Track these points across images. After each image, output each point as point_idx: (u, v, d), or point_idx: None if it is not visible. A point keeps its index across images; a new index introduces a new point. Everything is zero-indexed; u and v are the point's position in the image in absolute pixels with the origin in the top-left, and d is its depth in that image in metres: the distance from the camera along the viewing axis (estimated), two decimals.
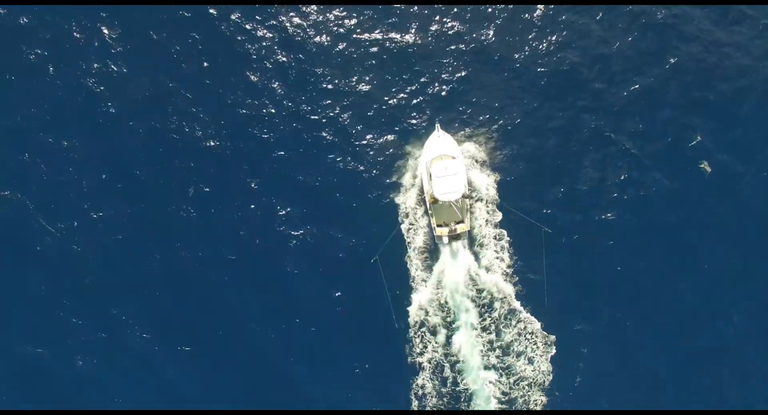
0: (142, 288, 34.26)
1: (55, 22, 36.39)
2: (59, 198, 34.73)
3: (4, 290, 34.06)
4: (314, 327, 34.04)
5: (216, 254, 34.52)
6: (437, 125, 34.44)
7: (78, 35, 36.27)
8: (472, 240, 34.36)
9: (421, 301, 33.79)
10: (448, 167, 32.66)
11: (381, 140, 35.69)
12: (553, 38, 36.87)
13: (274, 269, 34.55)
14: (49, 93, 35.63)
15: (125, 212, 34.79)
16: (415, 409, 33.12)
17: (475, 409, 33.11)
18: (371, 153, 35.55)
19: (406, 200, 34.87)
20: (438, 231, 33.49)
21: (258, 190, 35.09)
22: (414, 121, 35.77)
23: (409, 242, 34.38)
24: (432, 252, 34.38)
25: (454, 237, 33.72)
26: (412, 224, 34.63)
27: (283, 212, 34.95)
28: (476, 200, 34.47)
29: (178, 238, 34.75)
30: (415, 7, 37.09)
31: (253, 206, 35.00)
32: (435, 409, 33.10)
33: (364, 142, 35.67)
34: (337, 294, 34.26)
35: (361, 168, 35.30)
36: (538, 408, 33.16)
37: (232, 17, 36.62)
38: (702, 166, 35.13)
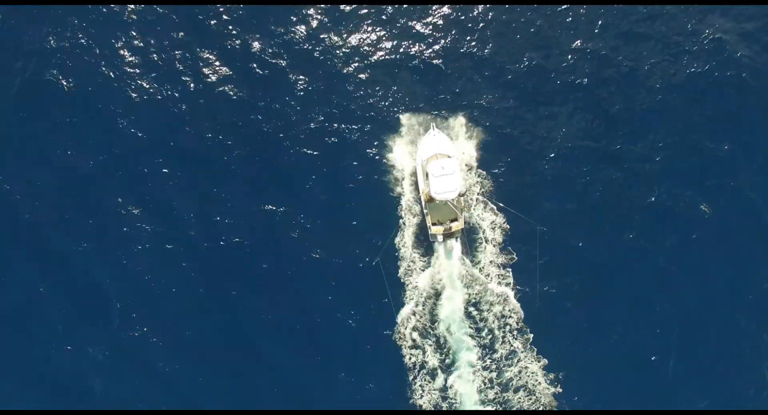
0: (143, 286, 34.45)
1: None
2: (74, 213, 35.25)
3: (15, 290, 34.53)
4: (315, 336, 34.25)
5: (223, 266, 34.68)
6: (432, 124, 34.57)
7: (92, 46, 36.79)
8: (474, 280, 34.29)
9: (418, 338, 33.62)
10: (445, 167, 32.69)
11: (383, 150, 35.84)
12: (569, 59, 36.91)
13: (280, 281, 34.65)
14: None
15: (138, 222, 35.10)
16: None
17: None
18: (372, 160, 35.72)
19: (406, 241, 34.63)
20: (433, 230, 33.64)
21: (263, 200, 35.30)
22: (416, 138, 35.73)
23: (407, 284, 34.25)
24: (433, 296, 34.15)
25: (448, 235, 33.87)
26: (410, 267, 34.39)
27: (287, 221, 35.05)
28: (484, 242, 34.32)
29: (180, 240, 35.00)
30: (423, 20, 37.22)
31: (259, 215, 35.22)
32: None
33: (365, 148, 35.93)
34: (339, 303, 34.38)
35: (362, 175, 35.54)
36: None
37: (246, 38, 37.01)
38: (702, 207, 35.24)
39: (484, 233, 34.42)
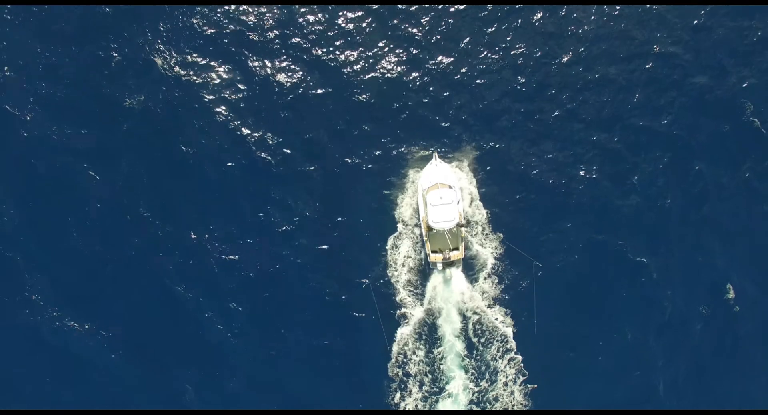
0: (141, 289, 35.56)
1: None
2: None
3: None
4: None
5: (220, 285, 35.61)
6: (435, 154, 35.62)
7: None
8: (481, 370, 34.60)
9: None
10: (443, 197, 33.60)
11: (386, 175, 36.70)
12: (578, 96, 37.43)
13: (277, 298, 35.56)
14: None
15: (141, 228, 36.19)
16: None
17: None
18: (373, 182, 36.58)
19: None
20: (432, 257, 34.22)
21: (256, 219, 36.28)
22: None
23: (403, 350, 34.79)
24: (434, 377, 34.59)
25: (448, 264, 34.40)
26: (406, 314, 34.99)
27: (286, 239, 35.96)
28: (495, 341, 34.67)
29: (183, 253, 36.04)
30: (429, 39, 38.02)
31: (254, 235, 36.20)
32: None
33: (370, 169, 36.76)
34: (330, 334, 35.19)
35: (360, 196, 36.37)
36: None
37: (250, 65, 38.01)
38: (727, 294, 35.15)
39: (495, 330, 34.69)
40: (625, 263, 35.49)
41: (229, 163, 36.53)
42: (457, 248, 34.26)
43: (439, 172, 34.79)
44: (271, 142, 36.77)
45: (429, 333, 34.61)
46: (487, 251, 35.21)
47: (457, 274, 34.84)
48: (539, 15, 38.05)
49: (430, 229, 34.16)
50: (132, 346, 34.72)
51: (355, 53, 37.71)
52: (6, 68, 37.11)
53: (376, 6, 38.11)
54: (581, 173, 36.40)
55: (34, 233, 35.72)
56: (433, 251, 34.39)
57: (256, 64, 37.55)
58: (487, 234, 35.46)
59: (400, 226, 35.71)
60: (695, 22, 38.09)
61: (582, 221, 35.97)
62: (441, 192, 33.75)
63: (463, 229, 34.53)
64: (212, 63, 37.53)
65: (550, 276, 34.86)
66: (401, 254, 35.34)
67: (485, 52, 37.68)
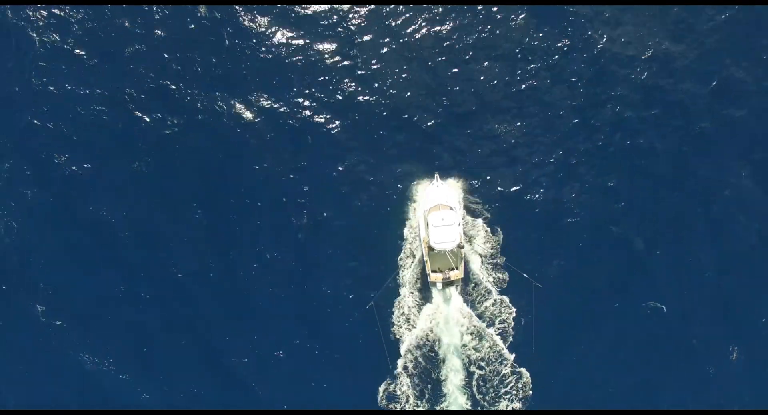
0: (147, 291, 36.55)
1: None
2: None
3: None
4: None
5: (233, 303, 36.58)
6: (436, 175, 36.31)
7: None
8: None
9: None
10: (444, 218, 34.21)
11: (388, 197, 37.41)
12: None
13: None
14: None
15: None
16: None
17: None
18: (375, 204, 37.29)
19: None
20: (432, 277, 34.73)
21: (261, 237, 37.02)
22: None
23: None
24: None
25: (447, 283, 34.90)
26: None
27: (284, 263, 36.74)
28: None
29: (193, 268, 36.90)
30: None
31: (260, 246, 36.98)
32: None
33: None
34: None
35: (363, 218, 37.02)
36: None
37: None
38: (732, 354, 35.50)
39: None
40: (641, 309, 35.81)
41: (252, 212, 37.27)
42: (456, 268, 34.80)
43: (441, 194, 35.43)
44: (294, 184, 37.49)
45: (432, 391, 35.01)
46: (507, 304, 35.49)
47: (464, 317, 35.28)
48: (559, 56, 38.78)
49: (431, 249, 34.74)
50: (134, 344, 35.93)
51: (377, 97, 38.41)
52: (30, 112, 38.02)
53: (395, 45, 38.81)
54: (595, 215, 36.92)
55: (75, 275, 36.70)
56: (432, 271, 34.94)
57: (276, 105, 38.29)
58: (504, 300, 35.71)
59: (404, 290, 36.23)
60: (714, 83, 38.53)
61: (600, 265, 36.51)
62: (443, 213, 34.34)
63: (462, 250, 35.13)
64: (231, 103, 38.36)
65: (559, 321, 35.52)
66: (405, 308, 35.76)
67: (504, 97, 38.33)
